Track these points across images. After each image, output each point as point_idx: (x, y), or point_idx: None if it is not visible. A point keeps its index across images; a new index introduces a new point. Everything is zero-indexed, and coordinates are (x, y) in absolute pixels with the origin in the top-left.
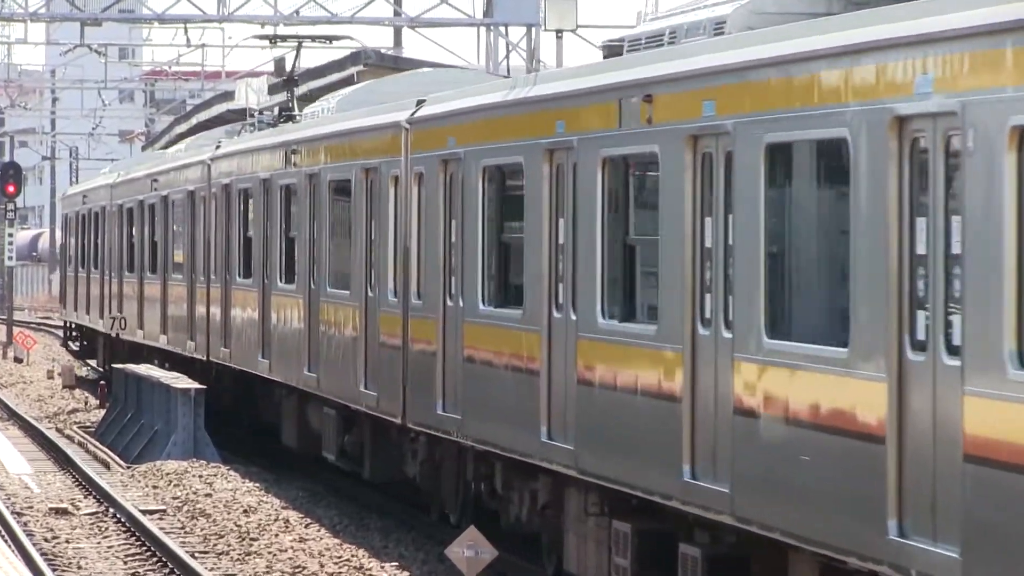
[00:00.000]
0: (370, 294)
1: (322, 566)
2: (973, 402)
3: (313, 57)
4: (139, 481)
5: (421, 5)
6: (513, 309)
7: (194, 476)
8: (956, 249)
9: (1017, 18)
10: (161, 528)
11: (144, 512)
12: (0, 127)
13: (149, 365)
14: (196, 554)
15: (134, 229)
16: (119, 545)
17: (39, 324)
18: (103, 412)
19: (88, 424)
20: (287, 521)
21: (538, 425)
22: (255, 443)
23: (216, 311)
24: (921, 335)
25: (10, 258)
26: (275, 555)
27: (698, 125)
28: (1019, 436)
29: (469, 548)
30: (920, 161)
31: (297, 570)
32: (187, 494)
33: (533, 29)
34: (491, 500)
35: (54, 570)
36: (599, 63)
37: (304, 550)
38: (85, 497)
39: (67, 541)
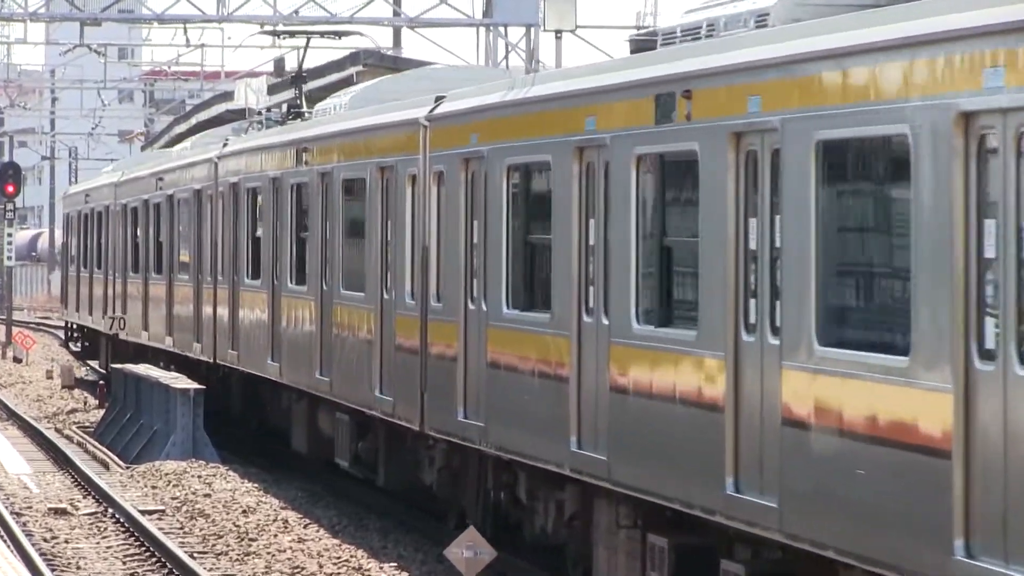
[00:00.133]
0: (386, 296)
1: (321, 566)
2: None
3: (312, 58)
4: (138, 481)
5: (420, 5)
6: (540, 313)
7: (193, 476)
8: None
9: None
10: (160, 528)
11: (143, 512)
12: None
13: (148, 365)
14: (195, 554)
15: (139, 228)
16: (118, 545)
17: (38, 324)
18: (102, 412)
19: (87, 424)
20: (286, 521)
21: (567, 434)
22: (254, 443)
23: (223, 313)
24: (990, 343)
25: (9, 258)
26: (274, 555)
27: (742, 121)
28: None
29: (468, 549)
30: (988, 159)
31: (296, 570)
32: (186, 494)
33: (532, 29)
34: (513, 509)
35: (53, 570)
36: (632, 57)
37: (303, 550)
38: (84, 497)
39: (66, 541)
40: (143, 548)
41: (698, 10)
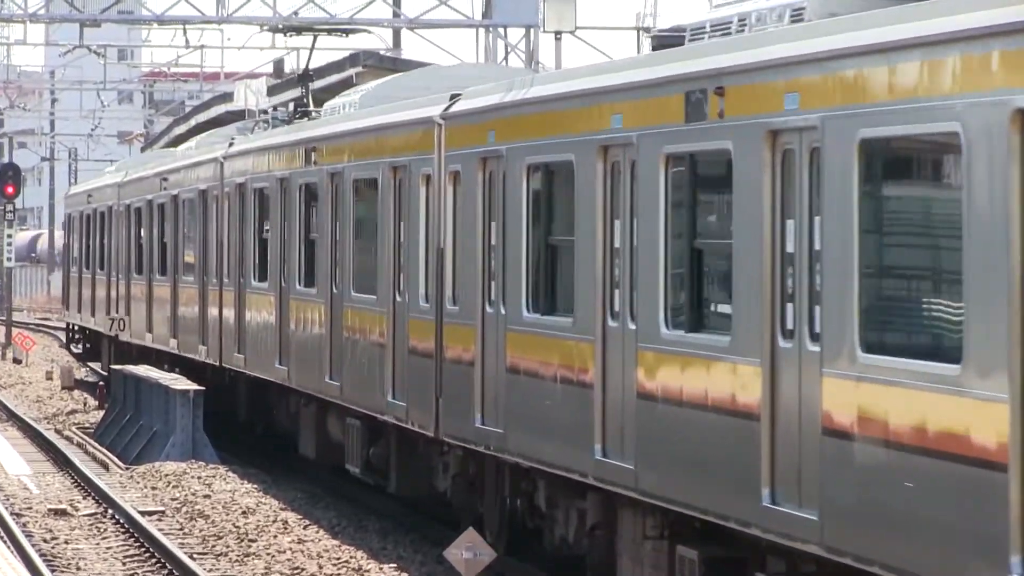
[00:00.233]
0: (398, 299)
1: (320, 567)
2: None
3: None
4: (138, 482)
5: (420, 6)
6: (562, 317)
7: (193, 477)
8: None
9: None
10: (160, 529)
11: (143, 513)
12: None
13: (148, 366)
14: (195, 555)
15: (143, 229)
16: (118, 546)
17: (38, 325)
18: (102, 413)
19: (87, 425)
20: (286, 522)
21: (592, 441)
22: (254, 444)
23: (229, 315)
24: None
25: (9, 259)
26: (273, 556)
27: (779, 119)
28: None
29: (468, 550)
30: None
31: (296, 571)
32: (186, 495)
33: (532, 30)
34: (531, 518)
35: (53, 571)
36: (660, 53)
37: (303, 551)
38: (84, 498)
39: (66, 542)
40: (143, 549)
41: (727, 4)
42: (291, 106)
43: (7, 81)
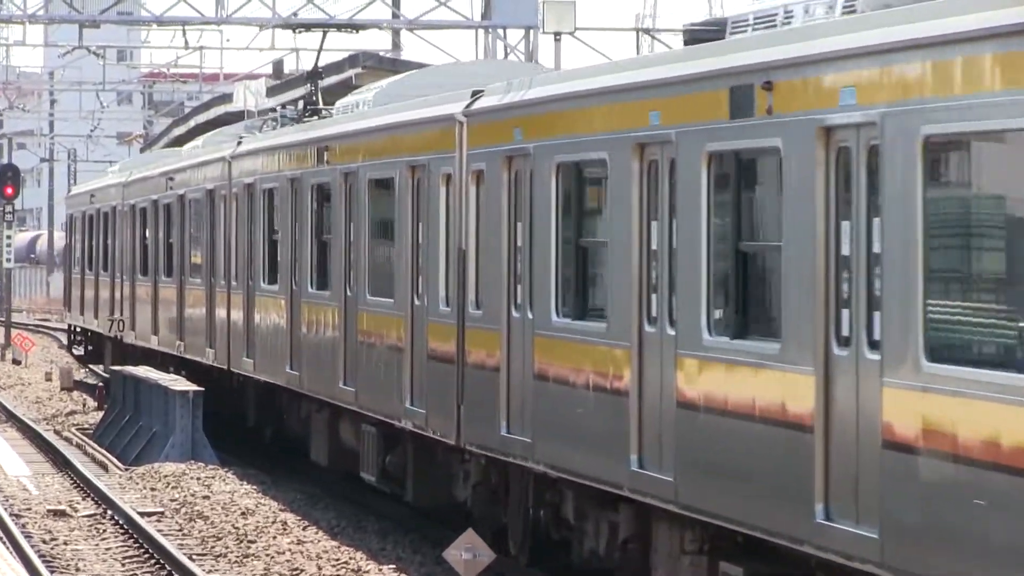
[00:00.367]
0: (417, 302)
1: (320, 568)
2: None
3: (310, 61)
4: (137, 483)
5: (419, 7)
6: (594, 322)
7: (192, 478)
8: None
9: None
10: (159, 530)
11: (142, 514)
12: None
13: (147, 367)
14: (194, 556)
15: (147, 230)
16: (117, 547)
17: (37, 326)
18: (101, 414)
19: (86, 426)
20: (285, 523)
21: (627, 452)
22: (253, 445)
23: (238, 318)
24: None
25: (8, 260)
26: (273, 557)
27: (834, 115)
28: None
29: (467, 551)
30: None
31: (295, 572)
32: (185, 496)
33: (531, 31)
34: (556, 529)
35: (52, 572)
36: (702, 47)
37: (302, 552)
38: (83, 499)
39: (65, 543)
40: (142, 550)
41: None
42: (300, 104)
43: (6, 82)
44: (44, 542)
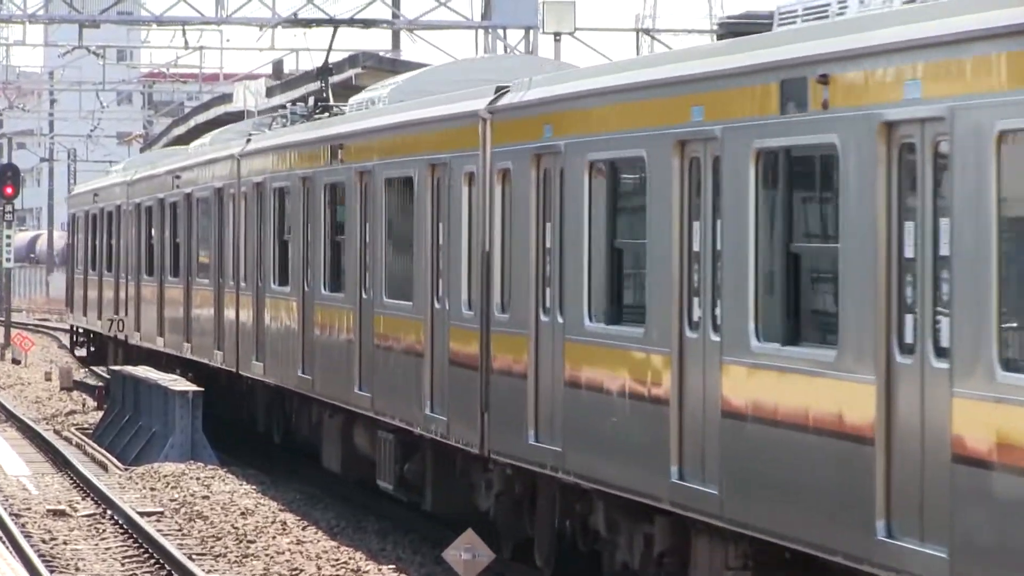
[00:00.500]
0: (437, 306)
1: (319, 568)
2: None
3: (308, 61)
4: (137, 483)
5: (419, 7)
6: (631, 327)
7: (191, 478)
8: None
9: None
10: (159, 530)
11: (142, 514)
12: None
13: (147, 367)
14: (193, 556)
15: (153, 229)
16: (117, 547)
17: (37, 326)
18: (101, 414)
19: (86, 426)
20: (284, 523)
21: (667, 463)
22: (253, 445)
23: (247, 320)
24: None
25: (8, 260)
26: (272, 557)
27: (897, 110)
28: None
29: (467, 551)
30: None
31: (294, 572)
32: (184, 496)
33: (531, 31)
34: (584, 541)
35: (52, 571)
36: (748, 39)
37: (301, 552)
38: (83, 499)
39: (65, 543)
40: (142, 550)
41: None
42: (311, 101)
43: (6, 82)
44: (44, 542)
